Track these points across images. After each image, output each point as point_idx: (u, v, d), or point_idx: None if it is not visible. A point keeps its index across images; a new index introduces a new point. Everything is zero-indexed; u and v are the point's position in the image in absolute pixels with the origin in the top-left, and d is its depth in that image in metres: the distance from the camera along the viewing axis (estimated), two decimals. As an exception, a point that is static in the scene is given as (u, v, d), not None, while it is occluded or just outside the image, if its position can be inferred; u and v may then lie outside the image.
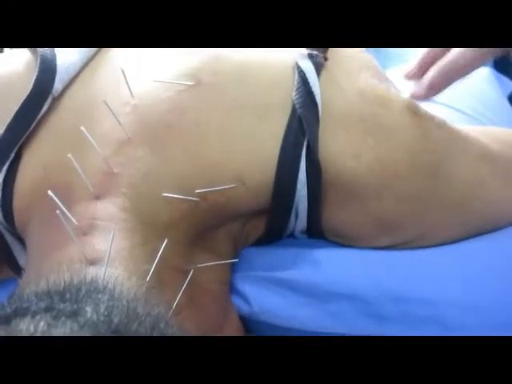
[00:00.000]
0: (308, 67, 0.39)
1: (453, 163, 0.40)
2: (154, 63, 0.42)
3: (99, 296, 0.30)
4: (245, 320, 0.41)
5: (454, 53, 0.48)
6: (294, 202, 0.38)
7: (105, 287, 0.31)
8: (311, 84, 0.39)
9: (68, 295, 0.29)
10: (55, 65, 0.41)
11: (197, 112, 0.38)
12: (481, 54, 0.47)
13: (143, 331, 0.28)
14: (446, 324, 0.38)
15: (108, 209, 0.36)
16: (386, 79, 0.44)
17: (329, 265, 0.40)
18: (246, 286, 0.41)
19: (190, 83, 0.38)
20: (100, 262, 0.33)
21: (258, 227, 0.41)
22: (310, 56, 0.40)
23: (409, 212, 0.40)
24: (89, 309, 0.28)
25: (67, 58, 0.42)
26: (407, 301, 0.38)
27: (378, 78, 0.42)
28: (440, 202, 0.40)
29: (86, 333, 0.27)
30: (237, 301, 0.41)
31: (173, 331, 0.30)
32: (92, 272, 0.32)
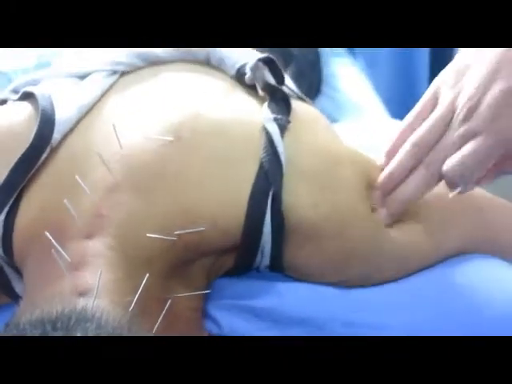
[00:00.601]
0: (273, 129, 0.46)
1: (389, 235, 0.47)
2: (141, 119, 0.48)
3: (87, 324, 0.35)
4: None
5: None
6: (260, 243, 0.44)
7: (93, 316, 0.36)
8: (276, 144, 0.45)
9: (59, 323, 0.34)
10: (54, 119, 0.46)
11: (177, 164, 0.44)
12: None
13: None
14: None
15: (97, 247, 0.42)
16: (339, 138, 0.51)
17: (288, 295, 0.46)
18: (217, 312, 0.47)
19: (171, 139, 0.45)
20: (89, 294, 0.39)
21: (229, 262, 0.46)
22: (275, 119, 0.46)
23: (355, 255, 0.46)
24: (79, 334, 0.33)
25: (65, 112, 0.47)
26: (355, 326, 0.45)
27: (332, 137, 0.49)
28: (381, 247, 0.46)
29: None
30: (209, 324, 0.47)
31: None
32: (82, 303, 0.38)
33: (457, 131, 0.43)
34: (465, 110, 0.42)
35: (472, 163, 0.42)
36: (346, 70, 0.89)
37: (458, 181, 0.43)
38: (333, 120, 0.81)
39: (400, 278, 0.48)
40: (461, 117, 0.43)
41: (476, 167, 0.42)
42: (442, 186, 0.46)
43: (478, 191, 0.52)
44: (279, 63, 0.50)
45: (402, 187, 0.45)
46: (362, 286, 0.47)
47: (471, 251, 0.50)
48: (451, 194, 0.44)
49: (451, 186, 0.44)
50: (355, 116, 0.82)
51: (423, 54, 1.00)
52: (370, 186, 0.47)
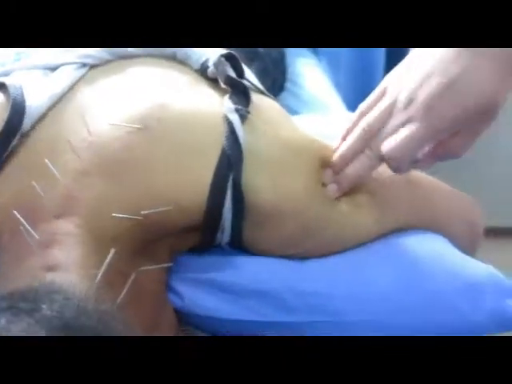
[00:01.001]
0: (234, 119, 0.49)
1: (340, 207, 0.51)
2: (110, 108, 0.50)
3: (54, 296, 0.36)
4: (179, 312, 0.51)
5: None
6: (220, 222, 0.48)
7: (60, 289, 0.38)
8: (237, 132, 0.48)
9: (28, 295, 0.36)
10: (24, 106, 0.49)
11: (143, 150, 0.47)
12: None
13: (92, 324, 0.35)
14: (334, 311, 0.49)
15: (66, 226, 0.45)
16: (297, 128, 0.55)
17: (247, 268, 0.50)
18: (180, 286, 0.51)
19: (138, 126, 0.48)
20: (57, 269, 0.42)
21: (192, 240, 0.50)
22: (236, 109, 0.50)
23: (309, 232, 0.50)
24: (44, 306, 0.34)
25: (36, 100, 0.50)
26: (306, 294, 0.49)
27: (290, 126, 0.53)
28: (332, 225, 0.50)
29: (40, 327, 0.33)
30: (172, 297, 0.51)
31: (117, 323, 0.38)
32: (50, 277, 0.41)
33: (397, 119, 0.47)
34: (405, 100, 0.47)
35: (405, 146, 0.46)
36: (310, 70, 0.94)
37: (394, 162, 0.47)
38: (295, 113, 0.85)
39: (349, 249, 0.51)
40: (401, 105, 0.47)
41: (409, 150, 0.47)
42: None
43: (422, 175, 0.57)
44: (242, 59, 0.54)
45: (350, 166, 0.50)
46: (315, 257, 0.51)
47: (412, 227, 0.54)
48: (389, 174, 0.49)
49: (389, 166, 0.48)
50: (318, 111, 0.87)
51: (379, 57, 1.05)
52: (324, 167, 0.51)
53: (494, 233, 0.80)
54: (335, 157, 0.51)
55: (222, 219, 0.48)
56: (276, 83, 0.85)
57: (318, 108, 0.88)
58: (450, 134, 0.47)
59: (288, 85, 0.90)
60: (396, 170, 0.48)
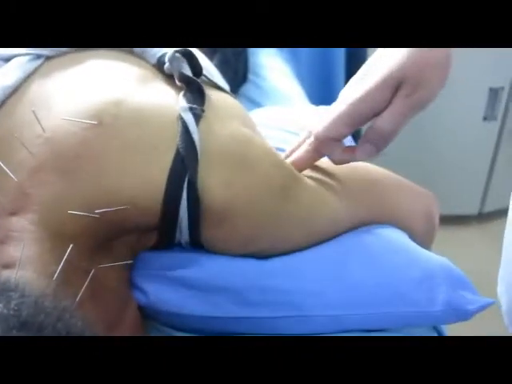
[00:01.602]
0: (189, 118, 0.48)
1: (300, 187, 0.51)
2: (64, 103, 0.49)
3: (11, 294, 0.35)
4: (143, 309, 0.51)
5: None
6: (177, 222, 0.47)
7: (16, 286, 0.37)
8: (191, 132, 0.47)
9: None
10: None
11: (99, 147, 0.46)
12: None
13: (50, 321, 0.34)
14: (295, 306, 0.49)
15: (21, 223, 0.43)
16: (253, 125, 0.55)
17: (210, 265, 0.50)
18: (144, 283, 0.50)
19: (93, 122, 0.46)
20: (13, 266, 0.41)
21: (151, 238, 0.49)
22: (190, 109, 0.49)
23: (265, 228, 0.49)
24: (1, 305, 0.33)
25: None
26: (268, 290, 0.49)
27: (246, 124, 0.53)
28: (289, 219, 0.50)
29: None
30: (136, 294, 0.50)
31: (76, 320, 0.37)
32: (5, 274, 0.40)
33: None
34: None
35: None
36: (272, 61, 0.94)
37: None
38: (258, 105, 0.85)
39: (313, 245, 0.52)
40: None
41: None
42: (358, 162, 0.53)
43: (378, 169, 0.58)
44: (203, 51, 0.53)
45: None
46: (280, 253, 0.51)
47: (372, 221, 0.55)
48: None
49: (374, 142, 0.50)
50: (279, 102, 0.87)
51: (340, 50, 1.06)
52: (277, 164, 0.51)
53: (446, 221, 0.82)
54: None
55: (179, 219, 0.47)
56: (238, 74, 0.85)
57: (280, 100, 0.87)
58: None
59: (251, 76, 0.89)
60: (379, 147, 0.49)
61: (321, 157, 0.54)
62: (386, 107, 0.48)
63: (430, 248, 0.62)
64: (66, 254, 0.42)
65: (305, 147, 0.54)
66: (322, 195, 0.52)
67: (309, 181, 0.53)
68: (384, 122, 0.48)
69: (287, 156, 0.56)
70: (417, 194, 0.61)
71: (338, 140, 0.51)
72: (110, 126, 0.46)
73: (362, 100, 0.48)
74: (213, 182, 0.47)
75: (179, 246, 0.50)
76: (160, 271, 0.50)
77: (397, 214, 0.57)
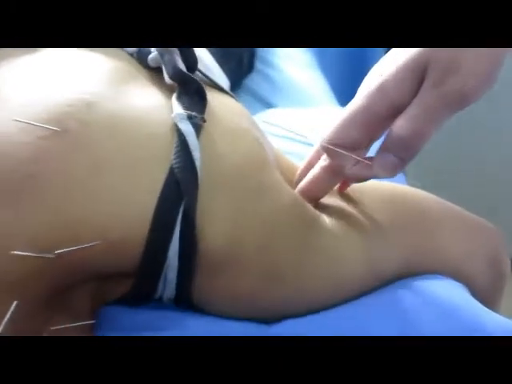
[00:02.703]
0: (188, 130, 0.37)
1: (319, 233, 0.40)
2: (16, 102, 0.37)
3: None
4: None
5: None
6: (162, 269, 0.37)
7: None
8: (191, 148, 0.37)
9: None
10: None
11: (60, 162, 0.35)
12: None
13: None
14: None
15: None
16: (265, 139, 0.43)
17: (197, 329, 0.39)
18: None
19: (55, 129, 0.35)
20: None
21: (124, 288, 0.38)
22: (190, 117, 0.38)
23: (279, 281, 0.39)
24: None
25: None
26: None
27: (258, 138, 0.41)
28: (313, 268, 0.39)
29: None
30: None
31: None
32: None
33: None
34: None
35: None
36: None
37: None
38: (268, 105, 0.70)
39: (333, 303, 0.41)
40: None
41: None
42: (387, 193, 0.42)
43: (426, 194, 0.46)
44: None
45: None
46: (287, 316, 0.40)
47: (415, 271, 0.43)
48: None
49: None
50: (296, 100, 0.70)
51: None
52: (296, 205, 0.40)
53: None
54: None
55: (166, 265, 0.36)
56: (242, 63, 0.69)
57: (299, 98, 0.70)
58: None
59: (259, 65, 0.73)
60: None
61: (339, 176, 0.42)
62: (409, 102, 0.37)
63: (497, 306, 0.48)
64: (9, 312, 0.32)
65: (321, 163, 0.43)
66: (343, 236, 0.41)
67: (326, 218, 0.42)
68: (406, 121, 0.37)
69: (301, 177, 0.44)
70: (477, 229, 0.48)
71: (351, 148, 0.39)
72: (76, 134, 0.36)
73: (378, 92, 0.37)
74: (217, 216, 0.36)
75: (157, 302, 0.40)
76: (132, 333, 0.39)
77: (451, 259, 0.45)
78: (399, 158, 0.38)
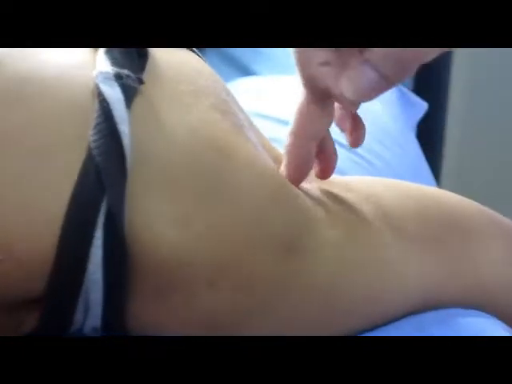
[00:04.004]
0: (114, 95, 0.29)
1: (314, 235, 0.31)
2: None
3: None
4: None
5: None
6: (81, 289, 0.28)
7: None
8: (117, 120, 0.28)
9: None
10: None
11: None
12: None
13: None
14: None
15: None
16: (234, 112, 0.33)
17: None
18: None
19: None
20: None
21: (31, 319, 0.29)
22: (119, 77, 0.29)
23: (256, 305, 0.30)
24: None
25: None
26: None
27: (222, 109, 0.32)
28: (297, 290, 0.31)
29: None
30: None
31: None
32: None
33: None
34: None
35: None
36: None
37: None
38: (247, 71, 0.60)
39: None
40: None
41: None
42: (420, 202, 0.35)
43: (465, 200, 0.38)
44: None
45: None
46: None
47: (446, 302, 0.35)
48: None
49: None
50: (280, 65, 0.59)
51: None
52: (276, 200, 0.31)
53: None
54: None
55: (86, 283, 0.28)
56: None
57: (287, 64, 0.60)
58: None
59: None
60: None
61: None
62: None
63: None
64: None
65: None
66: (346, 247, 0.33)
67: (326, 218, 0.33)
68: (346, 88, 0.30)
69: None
70: None
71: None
72: None
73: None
74: (156, 214, 0.28)
75: (80, 333, 0.31)
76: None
77: (491, 290, 0.37)
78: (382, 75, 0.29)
